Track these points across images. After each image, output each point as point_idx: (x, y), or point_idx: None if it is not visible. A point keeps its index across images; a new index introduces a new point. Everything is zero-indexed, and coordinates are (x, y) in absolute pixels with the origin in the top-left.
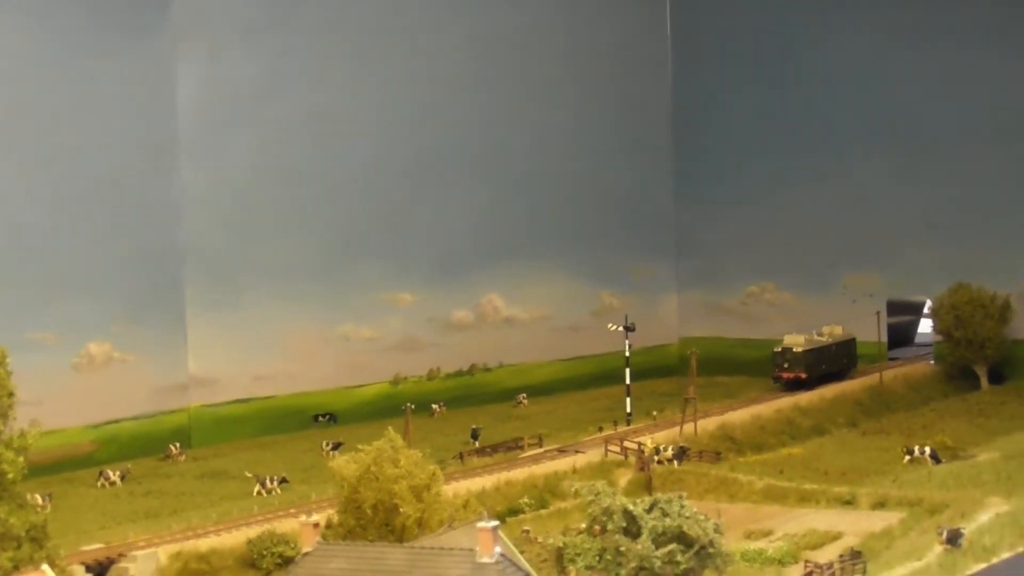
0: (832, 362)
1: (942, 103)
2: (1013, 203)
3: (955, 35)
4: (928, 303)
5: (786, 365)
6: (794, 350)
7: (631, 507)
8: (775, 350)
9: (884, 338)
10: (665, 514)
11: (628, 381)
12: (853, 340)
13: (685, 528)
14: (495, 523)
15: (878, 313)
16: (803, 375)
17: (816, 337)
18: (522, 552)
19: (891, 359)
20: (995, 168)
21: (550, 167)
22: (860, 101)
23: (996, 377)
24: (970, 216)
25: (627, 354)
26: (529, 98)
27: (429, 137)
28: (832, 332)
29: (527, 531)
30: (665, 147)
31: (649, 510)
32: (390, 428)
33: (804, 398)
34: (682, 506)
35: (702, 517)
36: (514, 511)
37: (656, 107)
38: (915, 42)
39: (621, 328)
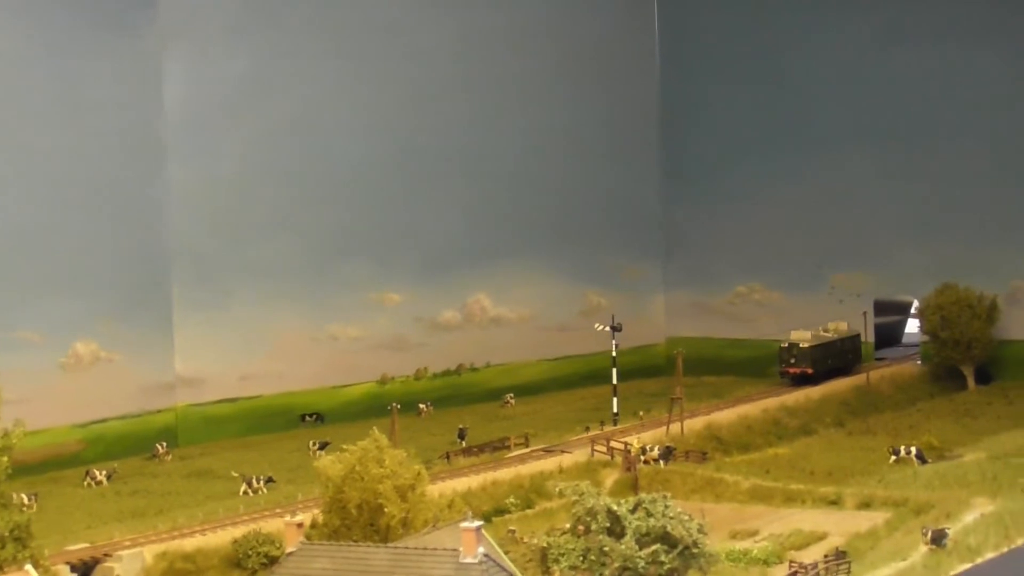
0: (837, 357)
1: (930, 103)
2: (1000, 203)
3: (943, 34)
4: (915, 303)
5: (793, 360)
6: (801, 346)
7: (615, 507)
8: (782, 345)
9: (871, 338)
10: (649, 514)
11: (615, 381)
12: (858, 336)
13: (669, 528)
14: (478, 523)
15: (865, 313)
16: (809, 370)
17: (822, 333)
18: (507, 552)
19: (878, 359)
20: (983, 168)
21: (538, 167)
22: (849, 101)
23: (983, 377)
24: (958, 216)
25: (614, 354)
26: (517, 97)
27: (416, 137)
28: (837, 328)
29: (513, 531)
30: (653, 146)
31: (633, 510)
32: (375, 428)
33: (791, 398)
34: (666, 506)
35: (686, 517)
36: (500, 511)
37: (644, 106)
38: (904, 41)
39: (608, 328)
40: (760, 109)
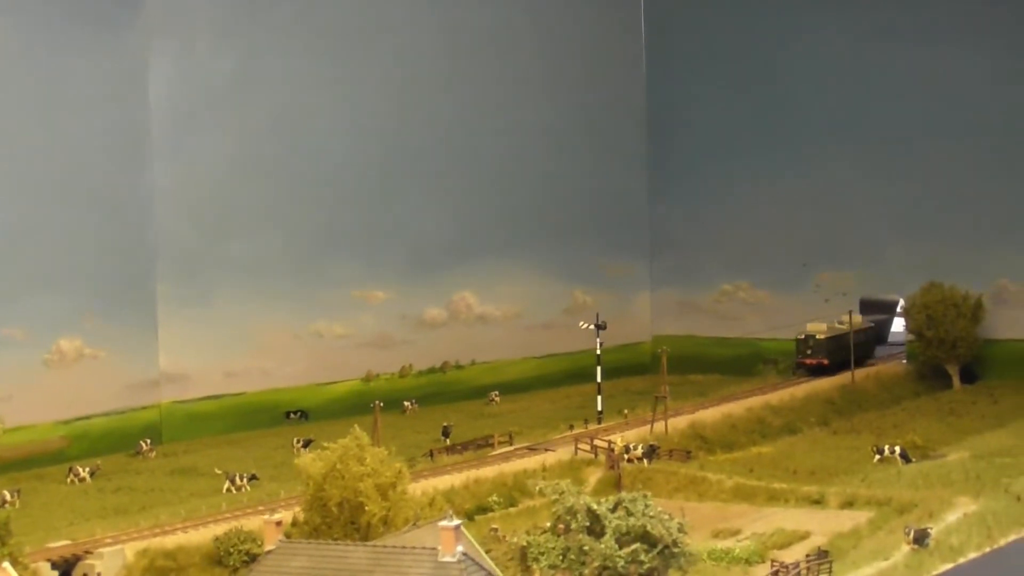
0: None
1: (916, 102)
2: (986, 202)
3: (928, 34)
4: (901, 302)
5: (809, 352)
6: (817, 337)
7: (595, 506)
8: (798, 337)
9: None
10: (629, 513)
11: (599, 379)
12: (872, 328)
13: (649, 527)
14: (457, 522)
15: (851, 312)
16: (825, 361)
17: (837, 325)
18: (489, 551)
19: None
20: (968, 167)
21: (524, 165)
22: (834, 100)
23: (968, 376)
24: (943, 215)
25: (598, 352)
26: (503, 96)
27: (402, 135)
28: (852, 321)
29: (495, 529)
30: (639, 145)
31: (613, 509)
32: (356, 426)
33: (775, 397)
34: (646, 505)
35: (666, 516)
36: (483, 509)
37: (630, 105)
38: (888, 41)
39: (592, 326)
40: (746, 108)
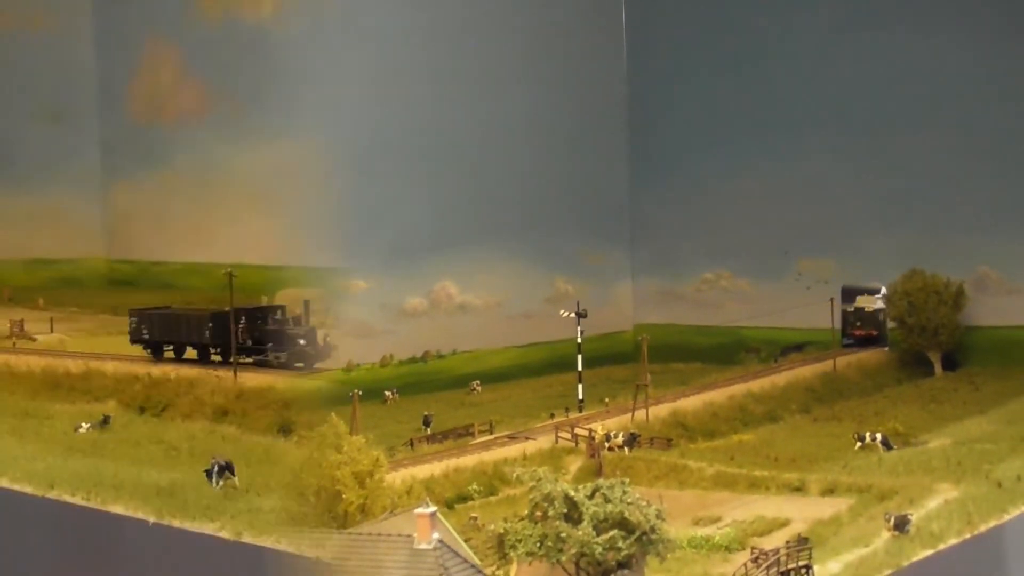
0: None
1: (897, 90)
2: (967, 190)
3: (909, 22)
4: (883, 289)
5: (859, 324)
6: (867, 310)
7: (572, 493)
8: (847, 310)
9: (838, 324)
10: (607, 500)
11: (580, 368)
12: None
13: (627, 514)
14: (433, 509)
15: (832, 300)
16: (875, 332)
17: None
18: (469, 539)
19: (846, 345)
20: (950, 155)
21: (504, 152)
22: (816, 88)
23: (950, 364)
24: (925, 202)
25: (579, 340)
26: (482, 83)
27: (381, 122)
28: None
29: (475, 518)
30: (620, 132)
31: (591, 496)
32: (332, 414)
33: (757, 384)
34: (624, 492)
35: (644, 503)
36: (463, 498)
37: (611, 92)
38: (870, 29)
39: (573, 315)
40: (727, 96)
